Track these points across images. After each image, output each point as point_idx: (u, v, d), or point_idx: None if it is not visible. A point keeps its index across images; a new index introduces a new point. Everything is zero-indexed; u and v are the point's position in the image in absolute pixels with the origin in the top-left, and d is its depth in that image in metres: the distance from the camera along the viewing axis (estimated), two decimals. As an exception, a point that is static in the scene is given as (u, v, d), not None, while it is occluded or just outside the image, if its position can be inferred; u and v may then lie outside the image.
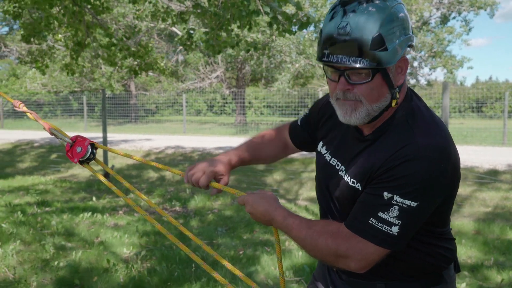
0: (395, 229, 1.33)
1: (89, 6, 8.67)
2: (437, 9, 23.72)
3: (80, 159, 1.80)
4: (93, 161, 1.84)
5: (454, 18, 24.05)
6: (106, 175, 9.03)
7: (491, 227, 5.53)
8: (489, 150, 11.74)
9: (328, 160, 1.61)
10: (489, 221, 5.83)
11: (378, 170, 1.36)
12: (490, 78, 77.28)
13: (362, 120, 1.39)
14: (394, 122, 1.42)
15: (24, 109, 1.95)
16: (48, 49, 11.85)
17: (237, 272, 1.66)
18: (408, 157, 1.32)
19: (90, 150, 1.81)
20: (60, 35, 10.77)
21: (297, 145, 1.88)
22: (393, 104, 1.38)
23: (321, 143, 1.68)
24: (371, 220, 1.35)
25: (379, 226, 1.34)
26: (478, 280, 4.05)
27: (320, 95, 16.13)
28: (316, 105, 1.78)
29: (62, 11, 8.38)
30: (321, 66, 1.53)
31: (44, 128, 1.89)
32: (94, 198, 7.21)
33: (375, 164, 1.38)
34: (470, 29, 24.10)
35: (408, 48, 1.36)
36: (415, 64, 25.69)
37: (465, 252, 4.75)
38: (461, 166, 7.61)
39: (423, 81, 27.06)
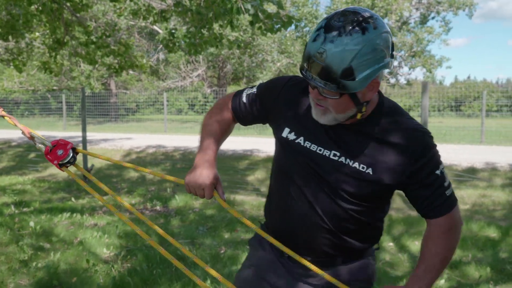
0: (451, 188, 1.64)
1: (68, 4, 8.54)
2: (417, 9, 24.00)
3: (60, 162, 1.77)
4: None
5: (433, 18, 24.39)
6: (89, 170, 8.91)
7: (469, 225, 5.62)
8: (467, 148, 11.92)
9: (308, 147, 1.62)
10: (467, 219, 5.92)
11: (413, 166, 1.55)
12: (469, 77, 78.51)
13: (330, 123, 1.56)
14: (384, 110, 1.60)
15: (3, 113, 1.92)
16: (26, 46, 11.66)
17: (216, 275, 1.67)
18: (425, 142, 1.56)
19: (71, 154, 1.79)
20: (37, 33, 10.60)
21: (245, 124, 1.91)
22: (358, 116, 1.54)
23: (287, 129, 1.68)
24: (447, 193, 1.60)
25: (451, 191, 1.63)
26: (457, 277, 4.11)
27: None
28: (274, 86, 1.77)
29: (40, 8, 8.24)
30: None
31: (23, 133, 1.86)
32: (73, 198, 7.11)
33: (401, 161, 1.55)
34: (449, 29, 24.43)
35: (386, 70, 1.47)
36: (395, 63, 25.96)
37: (444, 249, 4.81)
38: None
39: (402, 80, 27.38)
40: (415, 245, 4.98)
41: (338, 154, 1.58)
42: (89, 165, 8.92)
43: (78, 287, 3.83)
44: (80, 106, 11.07)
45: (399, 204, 6.83)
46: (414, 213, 6.32)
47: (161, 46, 25.38)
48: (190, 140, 13.54)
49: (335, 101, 1.47)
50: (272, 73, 24.97)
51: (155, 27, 22.25)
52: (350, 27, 1.35)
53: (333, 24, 1.37)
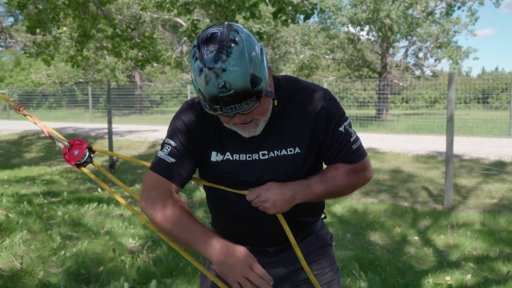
0: (359, 141, 1.73)
1: (94, -3, 8.65)
2: (442, -1, 23.55)
3: (77, 162, 1.81)
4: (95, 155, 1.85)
5: (459, 8, 23.82)
6: (112, 165, 9.06)
7: (497, 219, 5.53)
8: (495, 142, 11.69)
9: (237, 159, 1.63)
10: (495, 213, 5.82)
11: (316, 123, 1.63)
12: (496, 68, 76.58)
13: (262, 129, 1.59)
14: (282, 86, 1.66)
15: (25, 112, 1.97)
16: (53, 39, 11.85)
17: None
18: (322, 98, 1.64)
19: (87, 153, 1.82)
20: (64, 28, 10.75)
21: (184, 184, 1.69)
22: (275, 103, 1.59)
23: (213, 153, 1.65)
24: (354, 146, 1.68)
25: (359, 143, 1.71)
26: (484, 272, 4.05)
27: (325, 86, 16.08)
28: (184, 127, 1.65)
29: (67, 1, 8.36)
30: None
31: (43, 132, 1.91)
32: (99, 189, 7.24)
33: (306, 122, 1.63)
34: (476, 19, 23.87)
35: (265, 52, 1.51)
36: (421, 55, 25.55)
37: (471, 244, 4.75)
38: (467, 157, 7.58)
39: (428, 72, 26.93)
40: (440, 239, 4.92)
41: (265, 152, 1.63)
42: (114, 157, 9.05)
43: (105, 277, 3.91)
44: (105, 98, 11.21)
45: (424, 198, 6.76)
46: (439, 206, 6.24)
47: (184, 38, 25.51)
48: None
49: (257, 108, 1.50)
50: (295, 65, 24.83)
51: (178, 20, 22.36)
52: (223, 50, 1.37)
53: (209, 59, 1.37)
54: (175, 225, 1.59)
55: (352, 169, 1.70)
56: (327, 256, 1.85)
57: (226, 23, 1.46)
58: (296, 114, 1.64)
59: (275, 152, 1.63)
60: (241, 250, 1.54)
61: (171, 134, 1.66)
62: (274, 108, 1.61)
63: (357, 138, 1.71)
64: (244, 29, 1.47)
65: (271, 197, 1.59)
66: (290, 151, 1.63)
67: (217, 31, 1.41)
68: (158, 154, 1.65)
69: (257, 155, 1.63)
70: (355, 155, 1.69)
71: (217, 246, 1.54)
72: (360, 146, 1.72)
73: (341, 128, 1.66)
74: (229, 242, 1.56)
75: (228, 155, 1.64)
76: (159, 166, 1.63)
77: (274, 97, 1.55)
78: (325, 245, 1.86)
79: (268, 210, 1.60)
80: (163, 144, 1.66)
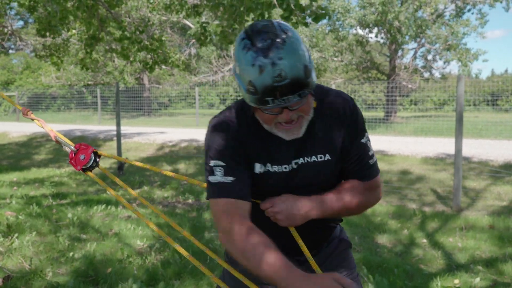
0: (375, 157, 1.73)
1: (103, 0, 8.70)
2: (452, 1, 23.40)
3: (83, 167, 1.82)
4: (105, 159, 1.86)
5: (469, 10, 23.68)
6: (120, 168, 9.10)
7: (506, 222, 5.48)
8: (504, 144, 11.60)
9: (277, 171, 1.61)
10: (504, 215, 5.78)
11: (345, 130, 1.63)
12: (506, 71, 76.05)
13: (304, 131, 1.55)
14: (315, 99, 1.61)
15: (32, 116, 1.99)
16: (63, 43, 11.93)
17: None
18: (350, 106, 1.64)
19: (93, 158, 1.83)
20: (74, 30, 10.83)
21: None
22: (314, 104, 1.58)
23: (257, 165, 1.60)
24: (371, 161, 1.69)
25: (375, 160, 1.72)
26: (493, 275, 4.02)
27: (333, 87, 16.03)
28: (227, 143, 1.58)
29: (76, 4, 8.42)
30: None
31: (50, 136, 1.93)
32: (107, 191, 7.26)
33: (336, 129, 1.62)
34: (485, 22, 23.71)
35: None
36: (429, 57, 25.43)
37: (479, 246, 4.72)
38: (476, 159, 7.53)
39: (437, 74, 26.78)
40: (449, 242, 4.89)
41: (297, 161, 1.61)
42: (123, 157, 9.09)
43: (113, 278, 3.92)
44: (114, 100, 11.27)
45: (433, 200, 6.72)
46: (447, 209, 6.21)
47: (193, 41, 25.58)
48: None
49: (304, 105, 1.48)
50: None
51: (187, 22, 22.44)
52: (278, 39, 1.37)
53: (264, 47, 1.36)
54: (255, 259, 1.43)
55: (366, 186, 1.68)
56: (350, 258, 1.87)
57: (271, 19, 1.46)
58: (326, 120, 1.62)
59: (306, 158, 1.61)
60: (326, 278, 1.38)
61: (214, 156, 1.56)
62: (315, 110, 1.59)
63: (374, 154, 1.71)
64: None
65: (285, 209, 1.56)
66: (321, 157, 1.62)
67: (267, 23, 1.41)
68: (211, 180, 1.55)
69: (291, 164, 1.61)
70: (370, 170, 1.69)
71: (302, 282, 1.36)
72: (376, 163, 1.71)
73: (363, 140, 1.67)
74: (311, 274, 1.42)
75: (268, 167, 1.61)
76: (220, 190, 1.53)
77: (315, 98, 1.56)
78: (348, 247, 1.88)
79: (280, 222, 1.56)
80: (211, 169, 1.55)
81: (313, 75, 1.44)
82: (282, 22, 1.45)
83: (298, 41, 1.40)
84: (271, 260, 1.41)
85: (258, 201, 1.61)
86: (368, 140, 1.69)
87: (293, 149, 1.60)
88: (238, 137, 1.57)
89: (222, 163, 1.54)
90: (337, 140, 1.63)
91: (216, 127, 1.60)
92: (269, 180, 1.62)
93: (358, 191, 1.67)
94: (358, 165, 1.66)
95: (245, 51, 1.38)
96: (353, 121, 1.63)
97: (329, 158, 1.62)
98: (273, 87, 1.36)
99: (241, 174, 1.55)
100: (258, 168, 1.60)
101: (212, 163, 1.56)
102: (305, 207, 1.57)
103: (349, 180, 1.69)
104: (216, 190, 1.54)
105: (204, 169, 1.62)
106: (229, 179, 1.53)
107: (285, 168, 1.61)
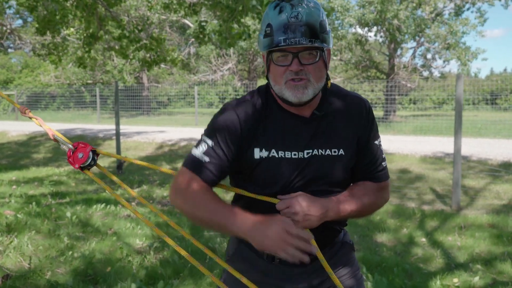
0: (386, 161, 1.80)
1: (101, -1, 8.70)
2: (451, 0, 23.40)
3: (81, 165, 1.81)
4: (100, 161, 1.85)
5: (468, 9, 23.68)
6: (119, 167, 9.10)
7: (505, 220, 5.49)
8: (503, 143, 11.61)
9: (283, 156, 1.60)
10: (503, 214, 5.79)
11: (360, 129, 1.68)
12: (505, 69, 76.04)
13: (309, 97, 1.56)
14: (333, 96, 1.69)
15: (30, 114, 1.98)
16: (61, 41, 11.91)
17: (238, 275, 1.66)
18: (366, 107, 1.71)
19: (91, 156, 1.82)
20: (72, 29, 10.81)
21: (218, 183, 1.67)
22: (329, 84, 1.66)
23: (257, 149, 1.61)
24: (383, 163, 1.76)
25: (386, 163, 1.79)
26: (492, 274, 4.03)
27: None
28: (225, 128, 1.61)
29: (75, 3, 8.41)
30: (265, 54, 1.59)
31: (48, 134, 1.92)
32: (106, 190, 7.25)
33: (352, 126, 1.68)
34: (485, 20, 23.72)
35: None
36: (429, 56, 25.43)
37: (479, 245, 4.73)
38: (475, 158, 7.54)
39: (436, 74, 26.79)
40: (448, 241, 4.90)
41: (310, 151, 1.62)
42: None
43: (112, 277, 3.92)
44: (113, 99, 11.26)
45: (432, 199, 6.73)
46: (446, 208, 6.21)
47: (192, 40, 25.58)
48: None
49: (315, 66, 1.54)
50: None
51: (186, 21, 22.43)
52: (304, 0, 1.53)
53: (290, 1, 1.52)
54: (205, 210, 1.55)
55: (378, 188, 1.73)
56: (353, 261, 1.86)
57: None
58: (343, 117, 1.67)
59: (319, 150, 1.63)
60: (273, 217, 1.50)
61: (209, 133, 1.63)
62: (325, 91, 1.65)
63: (385, 158, 1.77)
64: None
65: (302, 211, 1.53)
66: (335, 151, 1.65)
67: None
68: (192, 152, 1.64)
69: (302, 153, 1.62)
70: (382, 173, 1.75)
71: (249, 220, 1.51)
72: (386, 166, 1.78)
73: (377, 142, 1.74)
74: (263, 218, 1.51)
75: (273, 152, 1.61)
76: (193, 163, 1.61)
77: (329, 77, 1.63)
78: (352, 250, 1.88)
79: (297, 224, 1.53)
80: (200, 142, 1.64)
81: (328, 37, 1.54)
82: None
83: (319, 7, 1.55)
84: (220, 207, 1.54)
85: (275, 201, 1.58)
86: (381, 144, 1.75)
87: (308, 137, 1.62)
88: (240, 123, 1.60)
89: (209, 143, 1.61)
90: (353, 138, 1.67)
91: (224, 109, 1.66)
92: (278, 169, 1.60)
93: (372, 192, 1.71)
94: (372, 166, 1.72)
95: (274, 5, 1.54)
96: (370, 121, 1.70)
97: (343, 153, 1.65)
98: (287, 25, 1.49)
99: (218, 161, 1.60)
100: (258, 152, 1.61)
101: (203, 137, 1.65)
102: (322, 208, 1.56)
103: (361, 182, 1.73)
104: (190, 161, 1.63)
105: None
106: (205, 158, 1.60)
107: (295, 155, 1.61)
